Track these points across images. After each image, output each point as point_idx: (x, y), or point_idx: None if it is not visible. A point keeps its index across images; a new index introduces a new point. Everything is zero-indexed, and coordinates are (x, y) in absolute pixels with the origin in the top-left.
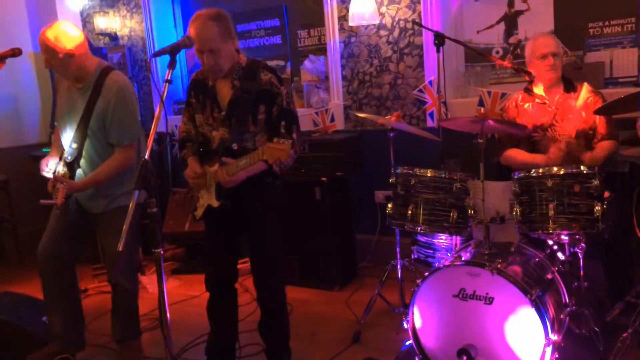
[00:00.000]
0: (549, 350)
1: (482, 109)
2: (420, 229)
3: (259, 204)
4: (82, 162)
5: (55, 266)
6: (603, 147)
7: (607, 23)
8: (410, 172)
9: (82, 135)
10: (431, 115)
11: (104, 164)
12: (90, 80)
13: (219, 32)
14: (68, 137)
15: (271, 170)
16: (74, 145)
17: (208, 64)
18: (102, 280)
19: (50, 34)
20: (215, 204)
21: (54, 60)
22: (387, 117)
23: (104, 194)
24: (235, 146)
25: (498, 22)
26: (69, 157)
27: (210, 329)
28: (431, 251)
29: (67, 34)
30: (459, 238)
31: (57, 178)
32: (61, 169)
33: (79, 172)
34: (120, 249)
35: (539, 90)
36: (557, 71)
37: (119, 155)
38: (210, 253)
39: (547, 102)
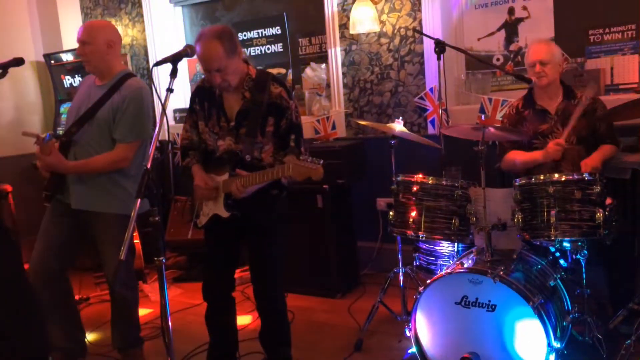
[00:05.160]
0: (551, 357)
1: (483, 116)
2: (422, 236)
3: (264, 215)
4: (78, 150)
5: (48, 280)
6: (602, 149)
7: (607, 30)
8: (412, 179)
9: (84, 120)
10: (432, 122)
11: (101, 154)
12: (112, 79)
13: (224, 50)
14: (70, 124)
15: (279, 182)
16: (73, 129)
17: (216, 81)
18: (104, 288)
19: (99, 21)
20: (224, 214)
21: (93, 46)
22: (388, 125)
23: (91, 187)
24: (248, 158)
25: (498, 30)
26: (64, 138)
27: (210, 338)
28: (433, 258)
29: (112, 27)
30: (461, 245)
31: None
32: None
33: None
34: (122, 257)
35: (538, 96)
36: (545, 79)
37: (119, 151)
38: (209, 262)
39: (547, 109)
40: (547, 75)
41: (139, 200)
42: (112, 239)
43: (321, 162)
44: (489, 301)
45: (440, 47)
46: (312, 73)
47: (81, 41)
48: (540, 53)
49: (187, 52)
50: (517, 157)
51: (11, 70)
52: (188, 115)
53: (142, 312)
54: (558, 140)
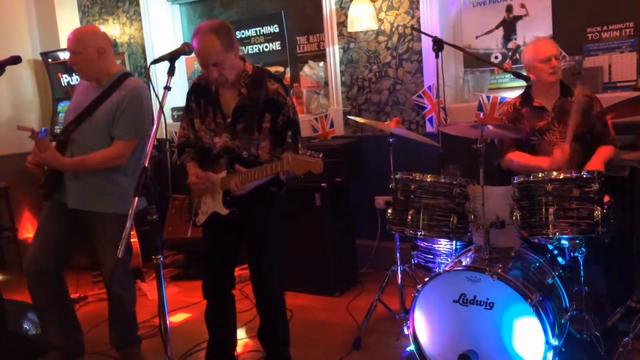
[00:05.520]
0: (549, 355)
1: (481, 114)
2: (420, 234)
3: (263, 212)
4: (75, 149)
5: (43, 281)
6: (602, 152)
7: (605, 28)
8: (410, 177)
9: (82, 118)
10: (430, 120)
11: (98, 151)
12: (109, 81)
13: (220, 45)
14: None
15: (277, 179)
16: (71, 127)
17: (212, 76)
18: (102, 287)
19: (86, 29)
20: (224, 211)
21: (83, 55)
22: (386, 123)
23: (87, 186)
24: (245, 154)
25: (497, 28)
26: (62, 136)
27: (209, 336)
28: (431, 256)
29: (100, 32)
30: (459, 243)
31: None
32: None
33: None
34: (119, 256)
35: (536, 94)
36: (558, 74)
37: (117, 148)
38: (208, 260)
39: (545, 106)
40: (559, 70)
41: (137, 198)
42: (109, 239)
43: (320, 155)
44: (487, 299)
45: (438, 45)
46: (310, 71)
47: (71, 51)
48: (552, 48)
49: (184, 50)
50: (519, 160)
51: (8, 68)
52: (184, 114)
53: (140, 310)
54: (564, 150)
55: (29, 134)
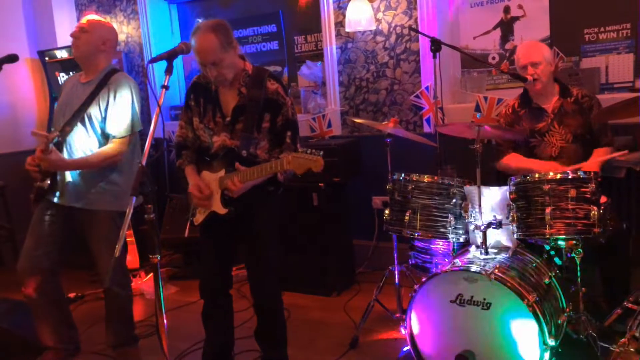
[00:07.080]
0: (546, 355)
1: (479, 115)
2: (418, 235)
3: (260, 212)
4: (69, 148)
5: (37, 281)
6: (598, 153)
7: (602, 29)
8: (407, 178)
9: (77, 119)
10: (428, 120)
11: (97, 150)
12: (98, 75)
13: (219, 44)
14: (61, 123)
15: (275, 179)
16: (67, 128)
17: (212, 75)
18: (99, 286)
19: (105, 21)
20: (222, 211)
21: (88, 35)
22: (384, 123)
23: (83, 184)
24: (244, 153)
25: (494, 28)
26: (59, 137)
27: (206, 335)
28: (428, 257)
29: (115, 30)
30: (456, 243)
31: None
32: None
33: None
34: (117, 254)
35: (535, 95)
36: (539, 83)
37: (115, 146)
38: (205, 260)
39: (544, 107)
40: (540, 77)
41: (134, 197)
42: (103, 236)
43: (321, 153)
44: (484, 299)
45: (435, 45)
46: (307, 71)
47: (81, 26)
48: (530, 55)
49: (182, 49)
50: (514, 164)
51: (5, 67)
52: (183, 112)
53: (138, 310)
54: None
55: (33, 136)
